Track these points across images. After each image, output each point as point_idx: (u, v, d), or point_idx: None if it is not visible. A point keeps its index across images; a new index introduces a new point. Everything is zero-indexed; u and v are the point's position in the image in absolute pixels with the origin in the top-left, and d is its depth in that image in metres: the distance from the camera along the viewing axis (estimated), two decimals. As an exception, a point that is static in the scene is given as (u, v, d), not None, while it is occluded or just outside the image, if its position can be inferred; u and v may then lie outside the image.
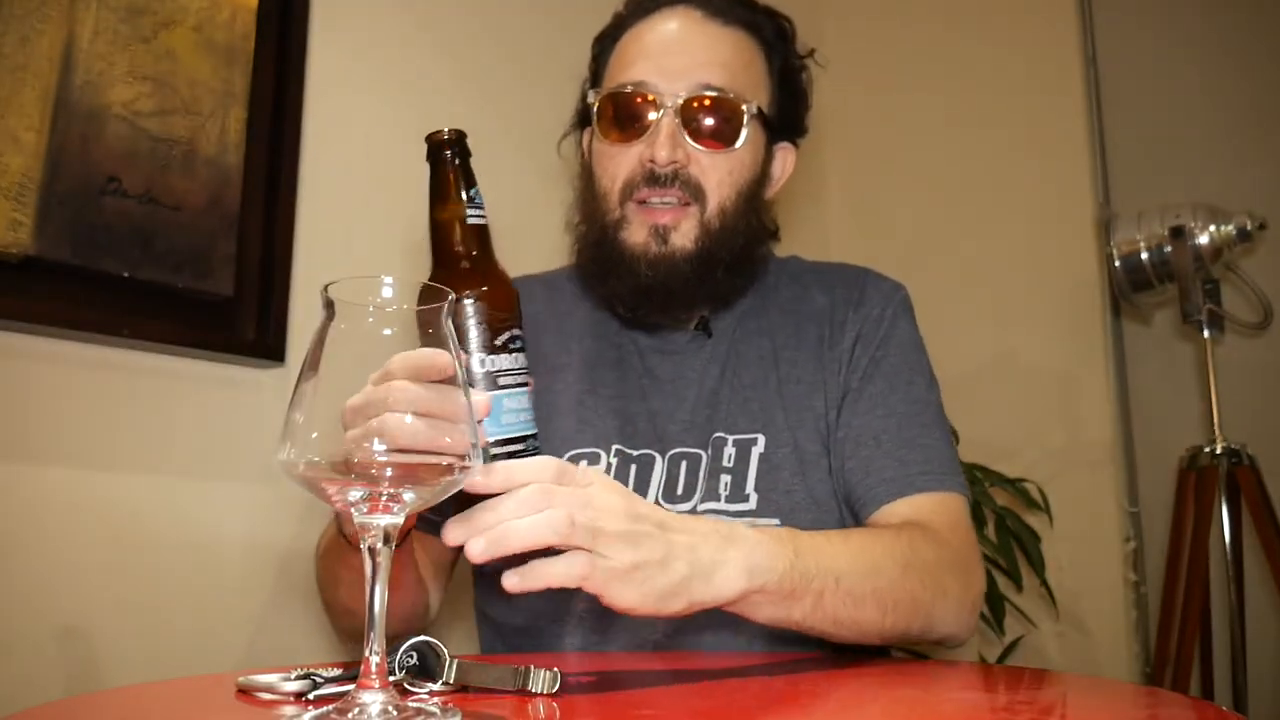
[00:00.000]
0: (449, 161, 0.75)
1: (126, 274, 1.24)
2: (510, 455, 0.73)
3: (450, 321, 0.61)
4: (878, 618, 0.86)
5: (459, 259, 0.74)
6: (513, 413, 0.73)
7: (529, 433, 0.75)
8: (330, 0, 1.52)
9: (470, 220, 0.74)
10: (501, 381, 0.73)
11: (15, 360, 1.17)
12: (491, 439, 0.72)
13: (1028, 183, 2.27)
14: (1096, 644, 2.05)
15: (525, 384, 0.75)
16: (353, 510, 0.57)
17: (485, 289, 0.74)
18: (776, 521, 1.02)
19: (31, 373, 1.18)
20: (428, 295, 0.61)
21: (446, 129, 0.75)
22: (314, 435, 0.56)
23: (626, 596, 0.71)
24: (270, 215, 1.40)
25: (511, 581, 0.69)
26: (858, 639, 0.89)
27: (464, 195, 0.74)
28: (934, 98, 2.42)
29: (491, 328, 0.73)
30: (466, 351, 0.72)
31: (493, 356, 0.73)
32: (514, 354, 0.74)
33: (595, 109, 1.09)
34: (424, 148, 0.75)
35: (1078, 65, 2.26)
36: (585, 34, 1.18)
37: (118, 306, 1.25)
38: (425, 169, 0.75)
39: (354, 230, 1.54)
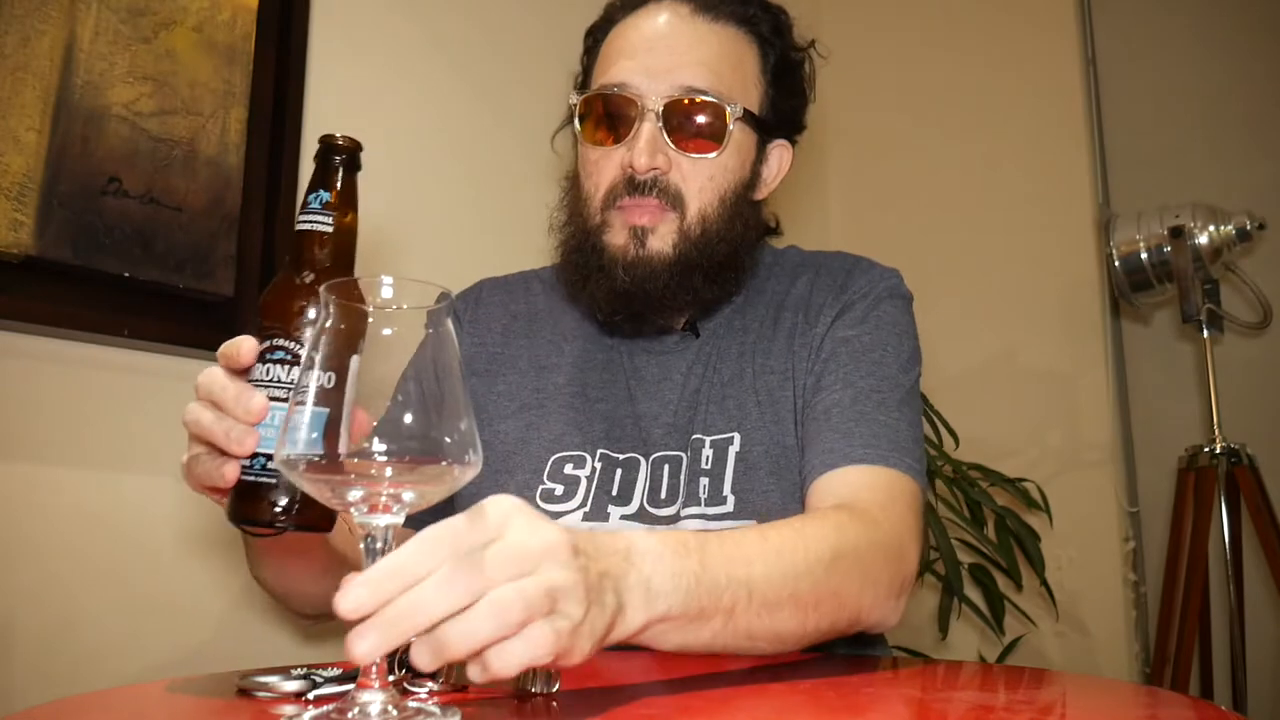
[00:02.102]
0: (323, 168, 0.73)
1: (127, 274, 1.24)
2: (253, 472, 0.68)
3: None
4: (798, 623, 0.79)
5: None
6: (265, 426, 0.68)
7: (267, 451, 0.67)
8: (330, 0, 1.52)
9: (297, 225, 0.73)
10: (261, 389, 0.68)
11: (15, 360, 1.17)
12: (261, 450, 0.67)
13: (1028, 183, 2.27)
14: (1096, 644, 2.05)
15: (279, 399, 0.68)
16: (352, 510, 0.57)
17: (268, 295, 0.72)
18: (753, 524, 0.96)
19: (31, 373, 1.18)
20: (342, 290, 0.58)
21: (340, 136, 0.73)
22: (314, 435, 0.56)
23: (583, 650, 0.57)
24: (270, 215, 1.40)
25: (474, 672, 0.53)
26: (775, 650, 0.80)
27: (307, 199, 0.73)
28: (934, 97, 2.43)
29: (260, 333, 0.71)
30: None
31: (257, 364, 0.70)
32: (268, 364, 0.69)
33: (577, 110, 1.07)
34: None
35: (1078, 65, 2.26)
36: (583, 31, 1.17)
37: (118, 306, 1.25)
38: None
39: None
